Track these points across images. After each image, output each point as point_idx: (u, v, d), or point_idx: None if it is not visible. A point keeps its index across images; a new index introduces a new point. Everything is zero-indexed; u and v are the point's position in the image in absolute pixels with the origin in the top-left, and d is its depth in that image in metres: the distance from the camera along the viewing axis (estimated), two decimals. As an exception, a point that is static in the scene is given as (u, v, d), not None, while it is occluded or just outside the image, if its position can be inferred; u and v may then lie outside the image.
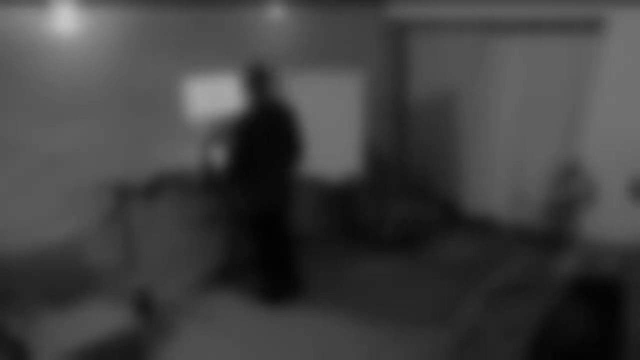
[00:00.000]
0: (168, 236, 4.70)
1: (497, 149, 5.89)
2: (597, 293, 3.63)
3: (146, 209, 4.47)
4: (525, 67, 5.46)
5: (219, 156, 4.51)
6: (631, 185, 4.85)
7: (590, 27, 4.84)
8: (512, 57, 5.54)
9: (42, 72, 3.72)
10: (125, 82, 4.17)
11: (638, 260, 4.06)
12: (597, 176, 5.01)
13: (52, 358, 3.20)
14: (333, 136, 5.24)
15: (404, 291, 4.93)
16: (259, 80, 4.20)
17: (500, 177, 5.92)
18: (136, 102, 4.26)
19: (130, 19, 4.11)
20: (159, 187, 4.26)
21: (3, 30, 3.50)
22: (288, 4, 5.13)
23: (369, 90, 5.71)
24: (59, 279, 3.71)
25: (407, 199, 6.10)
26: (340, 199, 6.14)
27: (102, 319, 3.56)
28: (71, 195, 4.00)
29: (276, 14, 5.11)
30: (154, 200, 3.97)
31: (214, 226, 4.94)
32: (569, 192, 5.17)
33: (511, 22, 5.33)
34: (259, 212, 4.45)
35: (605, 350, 3.25)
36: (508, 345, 3.48)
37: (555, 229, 5.36)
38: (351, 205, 6.07)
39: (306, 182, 5.58)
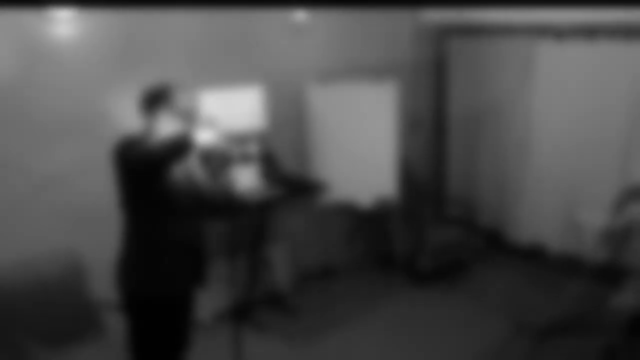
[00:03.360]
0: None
1: (548, 169, 5.72)
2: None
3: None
4: (581, 77, 5.31)
5: (235, 177, 4.48)
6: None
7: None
8: (565, 65, 5.40)
9: (40, 81, 3.74)
10: (130, 93, 4.17)
11: None
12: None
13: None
14: (364, 155, 5.19)
15: (444, 328, 4.81)
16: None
17: (551, 201, 5.74)
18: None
19: (137, 24, 4.13)
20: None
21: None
22: (313, 7, 5.09)
23: (403, 103, 5.64)
24: (58, 315, 3.63)
25: (446, 226, 6.00)
26: (372, 226, 6.05)
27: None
28: (72, 219, 3.99)
29: (300, 19, 5.09)
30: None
31: (233, 260, 4.89)
32: (630, 219, 5.00)
33: (565, 25, 5.22)
34: None
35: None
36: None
37: (613, 260, 5.17)
38: (384, 233, 5.97)
39: (335, 207, 5.53)
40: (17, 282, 3.53)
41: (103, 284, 4.01)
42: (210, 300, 4.77)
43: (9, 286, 3.50)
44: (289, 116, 5.22)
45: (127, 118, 4.18)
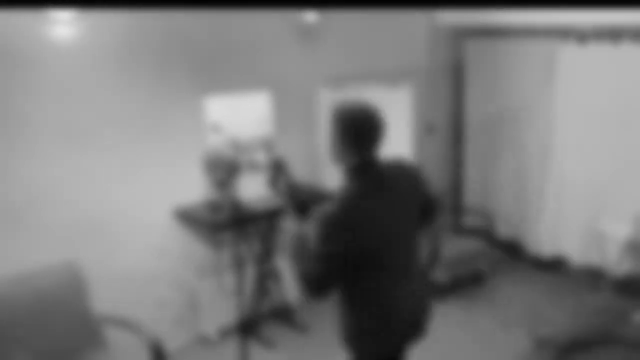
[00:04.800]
0: (188, 282, 4.64)
1: (570, 177, 5.64)
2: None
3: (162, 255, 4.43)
4: (605, 82, 5.22)
5: (244, 190, 4.44)
6: None
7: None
8: (588, 69, 5.32)
9: (38, 86, 3.71)
10: (132, 100, 4.14)
11: None
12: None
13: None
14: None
15: (462, 342, 4.76)
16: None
17: (574, 211, 5.66)
18: (144, 124, 4.23)
19: (140, 26, 4.11)
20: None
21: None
22: (324, 7, 5.04)
23: (419, 108, 5.58)
24: (58, 331, 3.59)
25: (463, 237, 5.93)
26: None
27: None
28: (71, 232, 3.95)
29: (310, 21, 5.04)
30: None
31: (240, 272, 4.84)
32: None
33: (588, 28, 5.14)
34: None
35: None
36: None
37: (638, 272, 5.08)
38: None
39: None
40: (15, 297, 3.50)
41: (103, 297, 3.99)
42: (216, 315, 4.73)
43: (7, 301, 3.47)
44: (300, 123, 5.18)
45: (127, 123, 4.17)
